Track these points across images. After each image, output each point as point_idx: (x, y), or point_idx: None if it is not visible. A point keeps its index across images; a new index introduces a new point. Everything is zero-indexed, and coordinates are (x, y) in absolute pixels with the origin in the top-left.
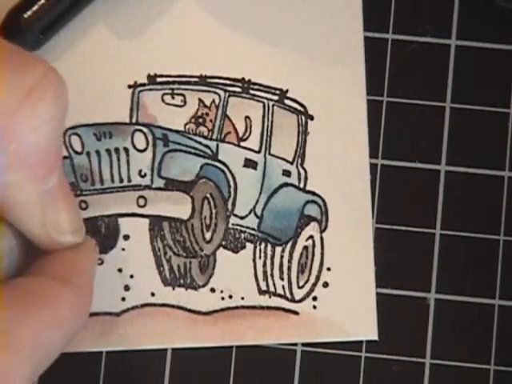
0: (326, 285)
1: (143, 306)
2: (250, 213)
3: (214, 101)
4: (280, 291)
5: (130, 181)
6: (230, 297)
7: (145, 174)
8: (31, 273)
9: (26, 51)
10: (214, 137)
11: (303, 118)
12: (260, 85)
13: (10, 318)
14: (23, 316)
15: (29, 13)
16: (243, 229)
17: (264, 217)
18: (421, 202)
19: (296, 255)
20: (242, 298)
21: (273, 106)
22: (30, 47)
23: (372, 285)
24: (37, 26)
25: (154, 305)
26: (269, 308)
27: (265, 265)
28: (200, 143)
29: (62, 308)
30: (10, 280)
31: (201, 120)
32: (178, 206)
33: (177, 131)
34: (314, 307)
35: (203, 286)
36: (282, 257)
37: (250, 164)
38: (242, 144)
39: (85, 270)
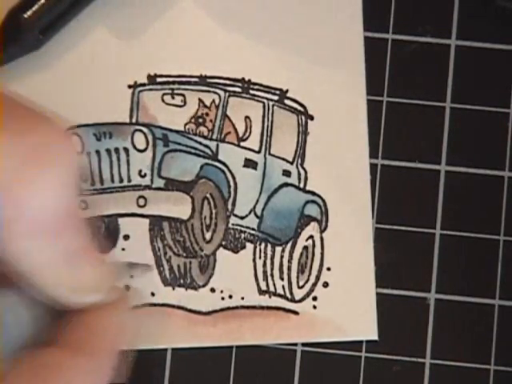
0: (326, 285)
1: (143, 305)
2: (250, 213)
3: (213, 101)
4: (280, 291)
5: (129, 181)
6: (230, 297)
7: (145, 174)
8: (46, 341)
9: (33, 110)
10: (214, 137)
11: (303, 117)
12: (260, 85)
13: None
14: None
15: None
16: (243, 229)
17: (264, 217)
18: (421, 202)
19: (296, 255)
20: (242, 298)
21: (273, 106)
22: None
23: (372, 285)
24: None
25: (154, 305)
26: (269, 308)
27: (265, 265)
28: (200, 143)
29: (75, 380)
30: (20, 353)
31: (201, 120)
32: (178, 206)
33: (177, 131)
34: (314, 307)
35: (203, 286)
36: (281, 257)
37: (249, 164)
38: (242, 144)
39: (104, 334)
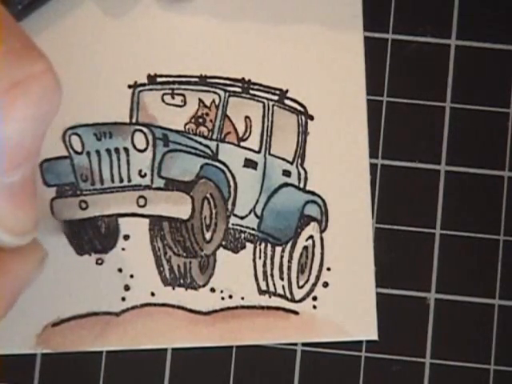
0: (325, 285)
1: (143, 305)
2: (250, 213)
3: (214, 101)
4: (280, 291)
5: (130, 181)
6: (230, 297)
7: (145, 174)
8: None
9: (35, 44)
10: (214, 137)
11: (303, 117)
12: (260, 85)
13: None
14: None
15: None
16: (243, 229)
17: (264, 217)
18: (421, 202)
19: (296, 255)
20: (242, 298)
21: (273, 106)
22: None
23: (372, 285)
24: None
25: (154, 305)
26: (269, 308)
27: (265, 265)
28: (200, 143)
29: None
30: None
31: (201, 120)
32: (178, 206)
33: (177, 131)
34: (314, 307)
35: (203, 285)
36: (282, 257)
37: (249, 164)
38: (242, 144)
39: (14, 274)
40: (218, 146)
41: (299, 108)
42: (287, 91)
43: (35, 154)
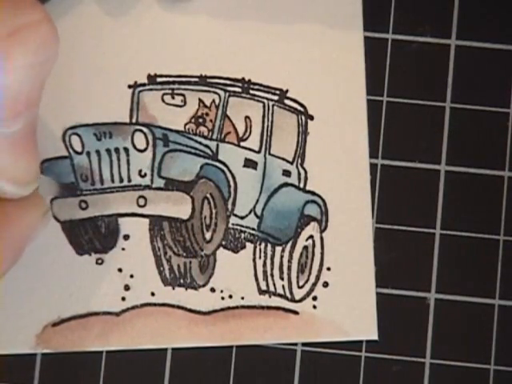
0: (325, 285)
1: (143, 305)
2: (250, 213)
3: (214, 101)
4: (280, 291)
5: (130, 181)
6: (230, 297)
7: (145, 174)
8: None
9: None
10: (214, 137)
11: (303, 117)
12: (260, 85)
13: None
14: None
15: None
16: (243, 229)
17: (264, 217)
18: (421, 202)
19: (296, 255)
20: (242, 298)
21: (273, 106)
22: None
23: (372, 285)
24: None
25: (154, 304)
26: (269, 308)
27: (265, 265)
28: (200, 143)
29: None
30: None
31: (201, 120)
32: (178, 206)
33: (177, 131)
34: (314, 307)
35: (203, 285)
36: (282, 257)
37: (249, 164)
38: (242, 144)
39: (19, 225)
40: (217, 146)
41: (299, 108)
42: (287, 91)
43: (35, 103)
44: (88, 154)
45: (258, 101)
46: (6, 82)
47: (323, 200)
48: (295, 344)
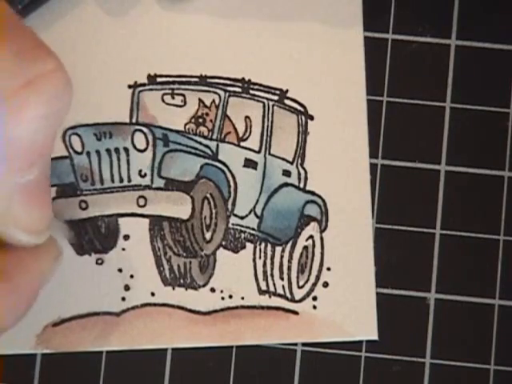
0: (326, 285)
1: (143, 305)
2: (250, 213)
3: (214, 101)
4: (280, 291)
5: (130, 181)
6: (230, 297)
7: (145, 174)
8: None
9: (44, 43)
10: (214, 137)
11: (303, 118)
12: (260, 85)
13: None
14: None
15: None
16: (243, 229)
17: (264, 217)
18: (421, 202)
19: (296, 255)
20: (242, 298)
21: (273, 106)
22: None
23: (372, 285)
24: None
25: (154, 305)
26: (269, 308)
27: (265, 265)
28: (200, 143)
29: None
30: None
31: (201, 120)
32: (178, 206)
33: (177, 131)
34: (314, 307)
35: (203, 285)
36: (282, 257)
37: (250, 164)
38: (242, 144)
39: (33, 272)
40: (218, 145)
41: (299, 108)
42: (287, 91)
43: (48, 152)
44: (88, 153)
45: (257, 101)
46: (21, 132)
47: (323, 200)
48: (295, 344)
